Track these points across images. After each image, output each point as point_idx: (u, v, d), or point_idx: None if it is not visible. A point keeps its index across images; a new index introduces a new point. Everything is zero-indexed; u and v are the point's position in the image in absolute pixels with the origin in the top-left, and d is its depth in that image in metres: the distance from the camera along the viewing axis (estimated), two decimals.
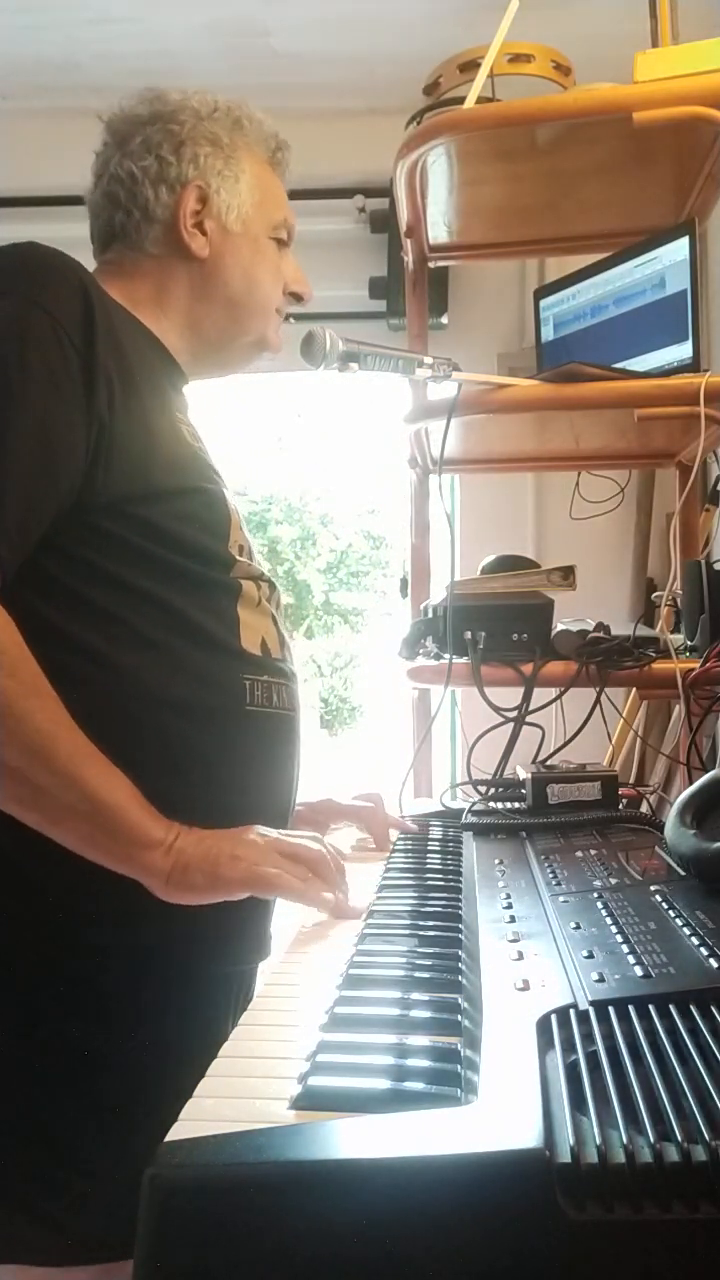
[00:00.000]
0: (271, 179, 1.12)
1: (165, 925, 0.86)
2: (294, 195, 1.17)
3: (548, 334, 1.82)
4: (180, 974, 0.92)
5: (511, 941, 0.71)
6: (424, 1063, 0.52)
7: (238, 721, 0.95)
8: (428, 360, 1.40)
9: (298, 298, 1.15)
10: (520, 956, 0.67)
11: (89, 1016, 0.88)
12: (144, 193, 1.05)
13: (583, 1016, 0.55)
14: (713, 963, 0.61)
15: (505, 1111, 0.45)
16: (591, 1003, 0.56)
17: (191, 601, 0.94)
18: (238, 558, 0.99)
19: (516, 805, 1.25)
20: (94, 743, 0.83)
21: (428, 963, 0.69)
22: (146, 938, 0.88)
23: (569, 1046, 0.52)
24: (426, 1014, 0.59)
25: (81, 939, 0.89)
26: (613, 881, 0.84)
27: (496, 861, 0.98)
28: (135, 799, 0.84)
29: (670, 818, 0.91)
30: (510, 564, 1.62)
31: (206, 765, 0.93)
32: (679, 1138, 0.42)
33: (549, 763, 1.33)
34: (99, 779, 0.82)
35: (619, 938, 0.68)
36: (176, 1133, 0.46)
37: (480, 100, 1.57)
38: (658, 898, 0.77)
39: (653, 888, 0.80)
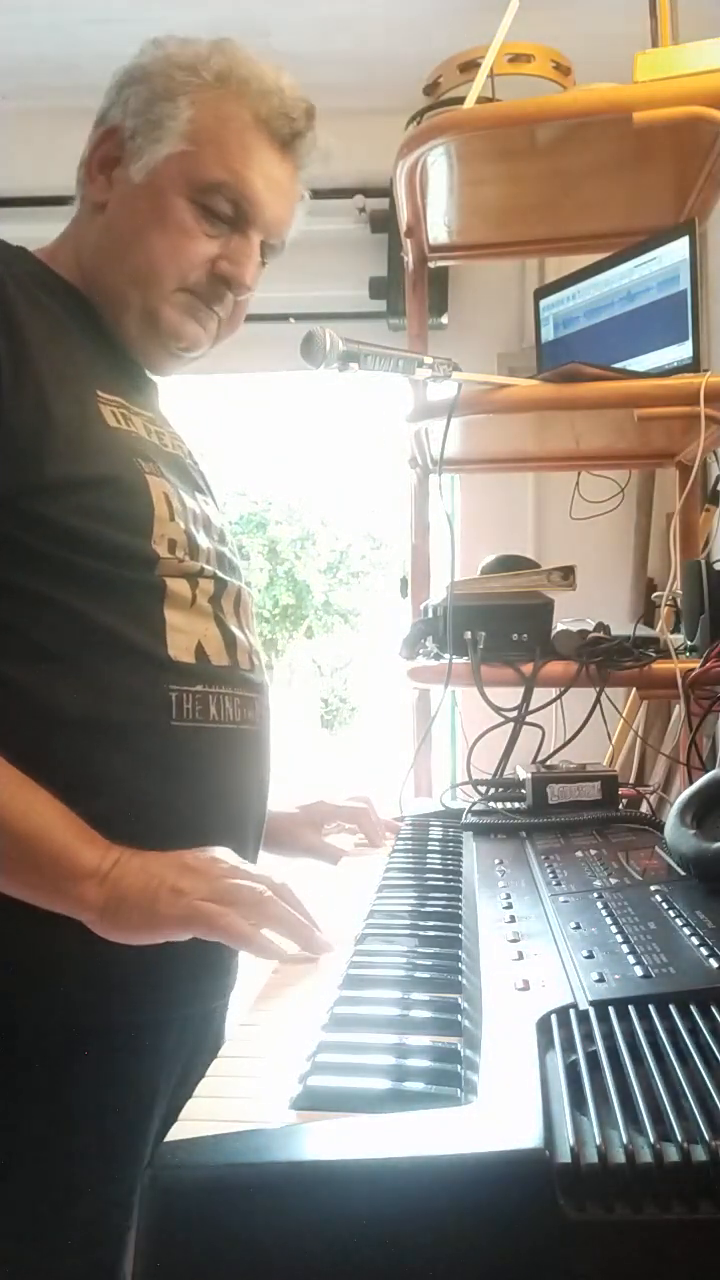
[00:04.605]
0: (235, 139, 0.92)
1: (83, 971, 0.77)
2: None
3: (548, 334, 1.82)
4: (101, 1033, 0.81)
5: (511, 941, 0.71)
6: (424, 1063, 0.52)
7: (160, 739, 0.85)
8: (428, 360, 1.40)
9: (225, 282, 0.95)
10: (520, 956, 0.67)
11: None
12: (89, 137, 0.97)
13: (583, 1016, 0.55)
14: (713, 963, 0.61)
15: (505, 1111, 0.45)
16: (591, 1003, 0.56)
17: (102, 606, 0.83)
18: (164, 554, 0.88)
19: (516, 805, 1.25)
20: None
21: (428, 963, 0.69)
22: (61, 990, 0.79)
23: (569, 1046, 0.52)
24: (426, 1014, 0.59)
25: None
26: (613, 881, 0.84)
27: (496, 861, 0.98)
28: (62, 823, 0.75)
29: (670, 818, 0.91)
30: (510, 564, 1.62)
31: (123, 789, 0.82)
32: (679, 1138, 0.41)
33: (549, 763, 1.33)
34: (9, 806, 0.74)
35: (619, 938, 0.68)
36: (176, 1133, 0.46)
37: (480, 100, 1.57)
38: (658, 898, 0.77)
39: (653, 888, 0.80)
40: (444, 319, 2.64)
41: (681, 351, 1.57)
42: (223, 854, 0.77)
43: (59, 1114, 0.80)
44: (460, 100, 1.61)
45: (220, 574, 0.95)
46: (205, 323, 0.97)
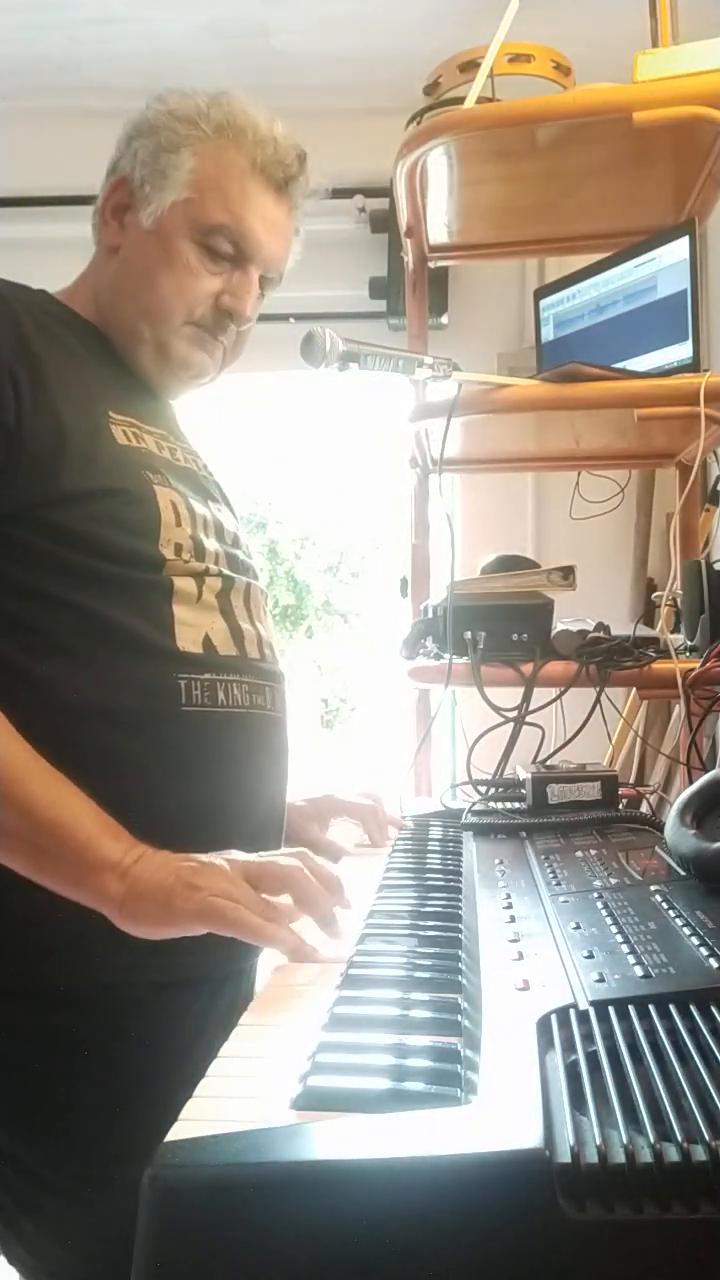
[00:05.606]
0: (234, 185, 1.02)
1: (116, 934, 0.80)
2: None
3: (548, 334, 1.82)
4: (134, 994, 0.87)
5: (511, 941, 0.71)
6: (424, 1063, 0.52)
7: (172, 723, 0.91)
8: (428, 360, 1.40)
9: (228, 314, 1.04)
10: (520, 956, 0.67)
11: (48, 1061, 0.85)
12: (102, 186, 1.07)
13: (583, 1016, 0.55)
14: (713, 963, 0.61)
15: (505, 1111, 0.45)
16: (591, 1003, 0.56)
17: (113, 604, 0.90)
18: (170, 556, 0.95)
19: (516, 805, 1.25)
20: None
21: (428, 963, 0.69)
22: (96, 951, 0.83)
23: (569, 1046, 0.52)
24: (426, 1014, 0.59)
25: (32, 970, 0.85)
26: (613, 881, 0.84)
27: (496, 861, 0.98)
28: (89, 816, 0.80)
29: (670, 818, 0.91)
30: (510, 564, 1.62)
31: (142, 771, 0.89)
32: (679, 1138, 0.41)
33: (549, 763, 1.33)
34: (40, 796, 0.78)
35: (619, 938, 0.68)
36: (176, 1133, 0.46)
37: (480, 100, 1.57)
38: (658, 898, 0.77)
39: (653, 888, 0.80)
40: (444, 319, 2.64)
41: (681, 351, 1.57)
42: (239, 854, 0.80)
43: (98, 1074, 0.85)
44: (460, 100, 1.61)
45: (227, 572, 1.02)
46: (212, 352, 1.07)
